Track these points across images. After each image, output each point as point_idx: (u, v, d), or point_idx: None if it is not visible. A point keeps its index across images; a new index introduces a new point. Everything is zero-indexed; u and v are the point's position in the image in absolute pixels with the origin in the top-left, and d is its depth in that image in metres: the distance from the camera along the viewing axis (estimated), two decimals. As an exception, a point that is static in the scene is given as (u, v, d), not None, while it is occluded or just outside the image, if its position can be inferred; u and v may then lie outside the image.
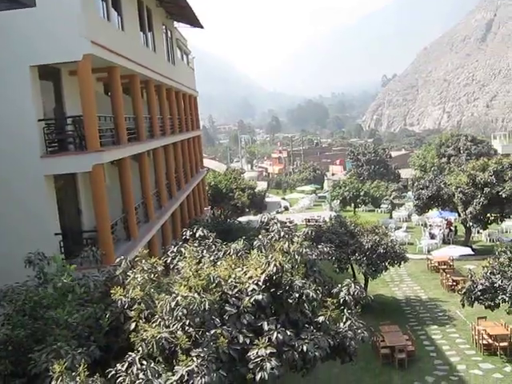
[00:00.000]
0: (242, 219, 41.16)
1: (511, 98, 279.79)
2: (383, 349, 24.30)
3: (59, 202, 19.39)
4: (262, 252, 14.07)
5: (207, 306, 11.92)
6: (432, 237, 48.14)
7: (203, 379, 11.04)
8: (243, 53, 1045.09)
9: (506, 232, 50.09)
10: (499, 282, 23.97)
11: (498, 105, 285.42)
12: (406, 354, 23.77)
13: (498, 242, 42.60)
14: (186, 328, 12.02)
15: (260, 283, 12.86)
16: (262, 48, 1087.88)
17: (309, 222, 55.84)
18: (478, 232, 48.09)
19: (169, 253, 15.30)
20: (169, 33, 34.25)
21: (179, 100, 37.25)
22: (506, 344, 24.30)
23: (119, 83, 21.99)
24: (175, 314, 11.97)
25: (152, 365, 11.27)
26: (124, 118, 22.49)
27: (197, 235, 15.61)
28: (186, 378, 11.17)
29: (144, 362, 11.21)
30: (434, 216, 53.06)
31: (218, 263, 14.04)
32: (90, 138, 18.60)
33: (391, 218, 62.87)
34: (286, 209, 78.17)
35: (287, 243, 13.99)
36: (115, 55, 20.56)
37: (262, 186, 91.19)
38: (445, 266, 38.41)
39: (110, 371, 11.15)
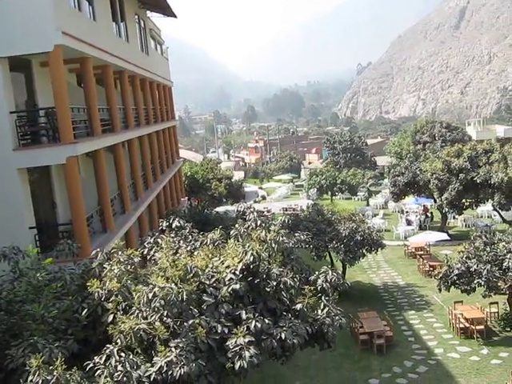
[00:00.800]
0: (220, 209, 41.06)
1: (485, 84, 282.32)
2: (362, 335, 24.51)
3: (33, 195, 19.14)
4: (238, 241, 14.08)
5: (185, 297, 11.90)
6: (408, 223, 48.58)
7: (182, 369, 11.03)
8: (219, 42, 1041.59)
9: (481, 217, 50.72)
10: (475, 266, 24.30)
11: (472, 91, 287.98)
12: (384, 339, 24.00)
13: (473, 227, 43.15)
14: (164, 319, 11.98)
15: (237, 272, 12.86)
16: (237, 37, 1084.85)
17: (286, 210, 55.98)
18: (454, 218, 48.62)
19: (145, 244, 15.23)
20: (142, 22, 33.89)
21: (153, 90, 36.95)
22: (482, 327, 24.66)
23: (92, 74, 21.72)
24: (153, 305, 11.91)
25: (131, 356, 11.23)
26: (98, 110, 22.24)
27: (173, 226, 15.56)
28: (164, 368, 11.15)
29: (122, 354, 11.16)
30: (411, 202, 53.51)
31: (195, 253, 14.00)
32: (64, 130, 18.36)
33: (368, 205, 63.28)
34: (264, 198, 78.28)
35: (264, 232, 14.00)
36: (87, 46, 20.30)
37: (238, 175, 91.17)
38: (421, 252, 38.79)
39: (88, 364, 11.09)
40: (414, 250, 39.93)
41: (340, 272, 29.48)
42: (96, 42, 21.42)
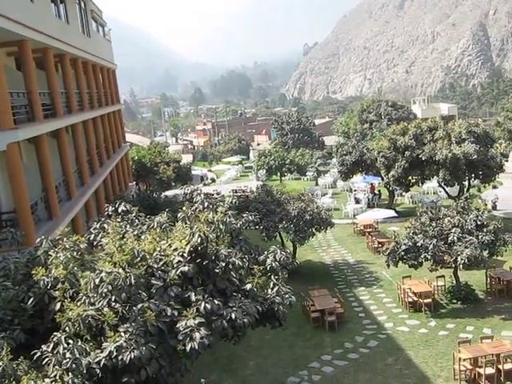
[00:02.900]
0: (169, 193, 40.69)
1: (429, 63, 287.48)
2: (313, 313, 24.74)
3: (-26, 183, 18.62)
4: (186, 223, 13.98)
5: (133, 281, 11.79)
6: (357, 201, 49.20)
7: (132, 353, 10.96)
8: (162, 24, 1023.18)
9: (428, 193, 51.76)
10: (421, 241, 24.81)
11: (417, 70, 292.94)
12: (335, 316, 24.27)
13: (419, 204, 44.01)
14: (113, 304, 11.86)
15: (185, 255, 12.81)
16: (181, 19, 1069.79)
17: (236, 192, 55.85)
18: (401, 195, 49.45)
19: (91, 229, 14.99)
20: (82, 4, 33.02)
21: (97, 73, 36.20)
22: (429, 300, 25.24)
23: (31, 57, 21.10)
24: (100, 291, 11.77)
25: (79, 343, 11.09)
26: (38, 94, 21.68)
27: (119, 210, 15.36)
28: (114, 353, 11.06)
29: (70, 341, 11.02)
30: (359, 181, 54.12)
31: (142, 237, 13.88)
32: (3, 116, 17.83)
33: (317, 185, 63.79)
34: (213, 181, 78.08)
35: (211, 213, 13.96)
36: (24, 27, 19.66)
37: (187, 158, 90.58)
38: (370, 229, 39.36)
39: (36, 353, 10.90)
40: (362, 228, 40.48)
41: (290, 251, 29.76)
42: (34, 23, 20.79)
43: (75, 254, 13.25)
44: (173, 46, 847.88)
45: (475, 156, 37.32)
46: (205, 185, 71.30)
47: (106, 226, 14.53)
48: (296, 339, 23.40)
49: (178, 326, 11.77)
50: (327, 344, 22.85)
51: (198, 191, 15.45)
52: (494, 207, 43.27)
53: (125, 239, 13.47)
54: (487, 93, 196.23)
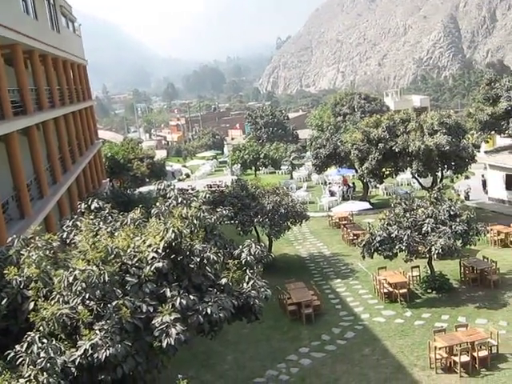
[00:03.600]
0: (143, 189, 40.50)
1: (401, 56, 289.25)
2: (290, 306, 24.80)
3: None
4: (160, 219, 13.90)
5: (107, 278, 11.71)
6: (332, 194, 49.42)
7: (108, 351, 10.92)
8: (133, 18, 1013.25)
9: (401, 185, 52.16)
10: (396, 232, 25.02)
11: (389, 63, 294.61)
12: (312, 308, 24.38)
13: (394, 195, 44.32)
14: (87, 302, 11.79)
15: (160, 251, 12.74)
16: (153, 13, 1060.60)
17: (211, 187, 55.74)
18: (375, 187, 49.73)
19: (64, 227, 14.83)
20: (51, -1, 32.62)
21: (67, 70, 35.76)
22: (405, 291, 25.48)
23: (-1, 54, 20.81)
24: (74, 289, 11.68)
25: (54, 342, 10.98)
26: (7, 91, 21.35)
27: (92, 207, 15.22)
28: (90, 352, 11.01)
29: (45, 341, 10.92)
30: (333, 174, 54.32)
31: (116, 234, 13.76)
32: (-29, 114, 17.56)
33: (292, 178, 63.91)
34: (188, 176, 77.71)
35: (185, 209, 13.89)
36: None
37: (161, 154, 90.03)
38: (345, 222, 39.57)
39: (9, 353, 10.76)
40: (337, 220, 40.66)
41: (266, 245, 29.77)
42: (1, 19, 20.44)
43: (48, 252, 13.13)
44: (145, 42, 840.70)
45: (447, 147, 37.65)
46: (179, 180, 70.99)
47: (78, 223, 14.40)
48: (273, 332, 23.45)
49: (153, 322, 11.73)
50: (304, 336, 22.94)
51: (172, 187, 15.34)
52: (467, 197, 43.77)
53: (98, 236, 13.36)
54: (459, 84, 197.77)
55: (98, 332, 11.19)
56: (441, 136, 38.18)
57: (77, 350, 11.16)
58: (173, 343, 11.44)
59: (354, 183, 51.29)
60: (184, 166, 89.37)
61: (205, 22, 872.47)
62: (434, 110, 63.71)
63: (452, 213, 25.81)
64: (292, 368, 20.29)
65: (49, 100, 28.94)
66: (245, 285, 13.82)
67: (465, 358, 18.73)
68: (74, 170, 31.81)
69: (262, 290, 13.72)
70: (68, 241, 14.52)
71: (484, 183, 46.06)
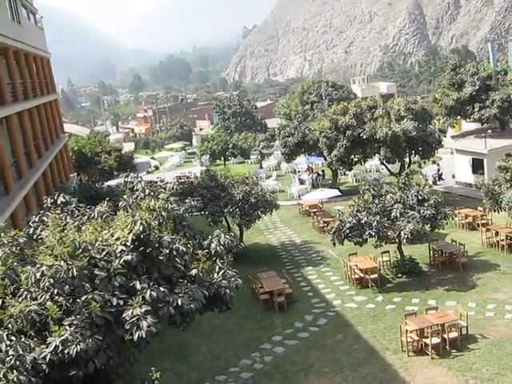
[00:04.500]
0: (111, 183, 40.11)
1: (367, 43, 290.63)
2: (262, 294, 24.85)
3: None
4: (128, 212, 13.78)
5: (75, 273, 11.59)
6: (301, 182, 49.57)
7: (78, 346, 10.83)
8: (96, 9, 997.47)
9: (370, 171, 52.57)
10: (365, 218, 25.21)
11: (356, 50, 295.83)
12: (284, 297, 24.45)
13: (363, 182, 44.60)
14: (56, 298, 11.66)
15: (128, 243, 12.64)
16: (116, 3, 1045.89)
17: (180, 179, 55.43)
18: (344, 174, 49.98)
19: (30, 223, 14.62)
20: (10, -9, 31.94)
21: (30, 63, 35.15)
22: (375, 276, 25.72)
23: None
24: (42, 285, 11.53)
25: (23, 339, 10.84)
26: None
27: (58, 202, 15.01)
28: (60, 348, 10.90)
29: (13, 338, 10.75)
30: (302, 162, 54.47)
31: (83, 228, 13.61)
32: None
33: (261, 167, 63.90)
34: (157, 168, 77.20)
35: (153, 201, 13.78)
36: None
37: (129, 147, 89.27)
38: (315, 209, 39.71)
39: (-23, 353, 10.59)
40: (308, 208, 40.79)
41: (237, 235, 29.75)
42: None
43: (14, 249, 12.94)
44: (108, 33, 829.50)
45: (414, 133, 37.97)
46: (148, 172, 70.48)
47: (45, 218, 14.20)
48: (246, 322, 23.50)
49: (124, 315, 11.65)
50: (277, 325, 23.02)
51: (139, 179, 15.21)
52: (435, 182, 44.27)
53: (65, 231, 13.21)
54: (424, 70, 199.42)
55: (67, 328, 11.08)
56: (407, 122, 38.48)
57: (47, 347, 11.05)
58: (144, 336, 11.39)
59: (323, 171, 51.49)
60: (152, 158, 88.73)
61: (167, 10, 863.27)
62: (401, 96, 64.20)
63: (420, 197, 26.10)
64: (266, 356, 20.34)
65: (11, 94, 28.41)
66: (215, 275, 13.80)
67: (435, 340, 18.99)
68: (40, 164, 31.36)
69: (233, 279, 13.71)
70: (35, 236, 14.34)
71: (439, 172, 46.45)
